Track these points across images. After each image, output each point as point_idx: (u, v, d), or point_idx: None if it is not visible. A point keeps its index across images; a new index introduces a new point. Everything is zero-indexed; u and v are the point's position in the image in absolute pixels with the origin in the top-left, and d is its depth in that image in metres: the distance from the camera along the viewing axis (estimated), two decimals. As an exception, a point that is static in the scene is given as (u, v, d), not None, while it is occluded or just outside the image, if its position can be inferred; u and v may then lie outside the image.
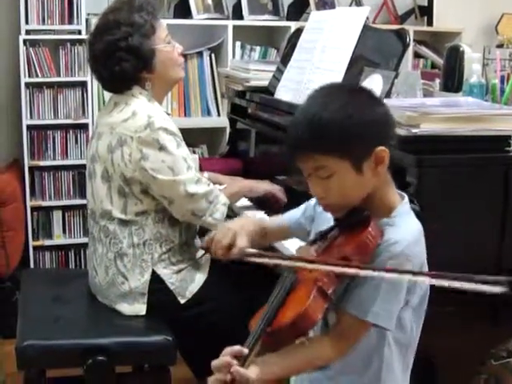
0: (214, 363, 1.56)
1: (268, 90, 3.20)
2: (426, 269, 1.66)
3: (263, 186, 2.83)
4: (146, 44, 2.50)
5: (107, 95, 2.82)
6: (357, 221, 1.63)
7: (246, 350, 1.55)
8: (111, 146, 2.47)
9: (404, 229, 1.64)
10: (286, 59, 3.15)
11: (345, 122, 1.57)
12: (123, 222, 2.49)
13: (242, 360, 1.54)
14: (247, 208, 2.85)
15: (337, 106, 1.59)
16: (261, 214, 2.73)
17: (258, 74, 3.39)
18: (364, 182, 1.62)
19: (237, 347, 1.56)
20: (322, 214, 1.80)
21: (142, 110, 2.47)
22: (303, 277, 1.63)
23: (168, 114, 2.59)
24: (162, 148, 2.42)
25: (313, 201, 1.88)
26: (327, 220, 1.76)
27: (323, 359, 1.65)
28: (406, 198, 1.71)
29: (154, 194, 2.47)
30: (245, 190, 2.83)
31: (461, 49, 2.64)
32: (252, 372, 1.54)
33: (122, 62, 2.47)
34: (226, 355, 1.56)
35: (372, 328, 1.63)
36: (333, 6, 4.31)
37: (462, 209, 1.97)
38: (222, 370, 1.54)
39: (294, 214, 1.96)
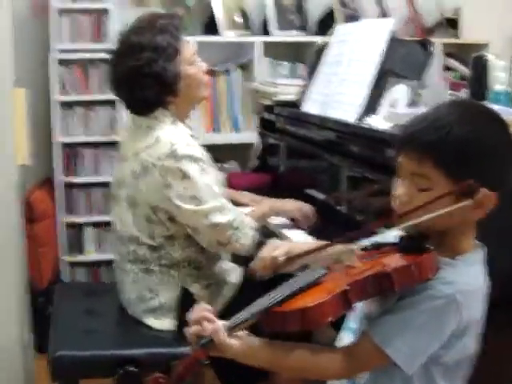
0: (196, 315, 1.50)
1: (296, 104, 3.22)
2: (473, 331, 1.55)
3: (292, 207, 2.74)
4: (169, 69, 2.42)
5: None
6: (418, 247, 1.53)
7: (234, 320, 1.49)
8: (136, 173, 2.42)
9: (465, 274, 1.51)
10: (313, 73, 3.18)
11: (473, 148, 1.47)
12: (152, 248, 2.47)
13: (228, 327, 1.48)
14: (284, 226, 2.76)
15: (476, 127, 1.49)
16: (299, 232, 2.67)
17: (286, 88, 3.42)
18: (453, 216, 1.49)
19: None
20: None
21: (165, 136, 2.41)
22: (334, 275, 1.55)
23: (192, 136, 2.53)
24: (185, 176, 2.35)
25: None
26: None
27: (326, 373, 1.56)
28: (484, 250, 1.59)
29: (181, 223, 2.44)
30: (272, 212, 2.76)
31: (485, 57, 2.64)
32: (233, 343, 1.47)
33: (144, 88, 2.41)
34: (208, 312, 1.50)
35: (389, 364, 1.50)
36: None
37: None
38: (203, 325, 1.48)
39: None
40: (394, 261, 1.53)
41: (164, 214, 2.42)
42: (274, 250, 1.80)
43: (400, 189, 1.54)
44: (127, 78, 2.45)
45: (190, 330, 1.50)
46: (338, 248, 1.60)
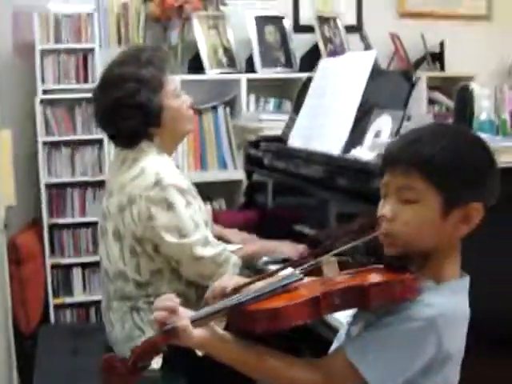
0: (165, 303, 1.48)
1: (282, 139, 3.21)
2: (455, 362, 1.50)
3: (284, 249, 2.65)
4: (154, 100, 2.42)
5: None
6: (400, 268, 1.49)
7: (199, 313, 1.48)
8: (121, 205, 2.41)
9: (447, 300, 1.46)
10: (297, 107, 3.17)
11: (457, 160, 1.46)
12: (139, 284, 2.45)
13: (193, 318, 1.46)
14: (273, 263, 2.65)
15: (458, 142, 1.49)
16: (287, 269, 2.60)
17: (271, 123, 3.42)
18: (439, 230, 1.47)
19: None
20: None
21: (150, 166, 2.40)
22: (311, 283, 1.53)
23: (177, 168, 2.53)
24: (170, 207, 2.34)
25: None
26: None
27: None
28: (467, 279, 1.53)
29: (164, 254, 2.42)
30: (263, 252, 2.68)
31: (470, 87, 2.64)
32: (196, 332, 1.45)
33: (128, 119, 2.41)
34: (175, 303, 1.48)
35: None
36: (344, 56, 4.36)
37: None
38: (169, 312, 1.46)
39: None
40: (374, 276, 1.50)
41: (149, 245, 2.40)
42: (226, 281, 1.78)
43: (384, 208, 1.52)
44: (111, 110, 2.44)
45: (156, 317, 1.48)
46: (286, 272, 1.58)
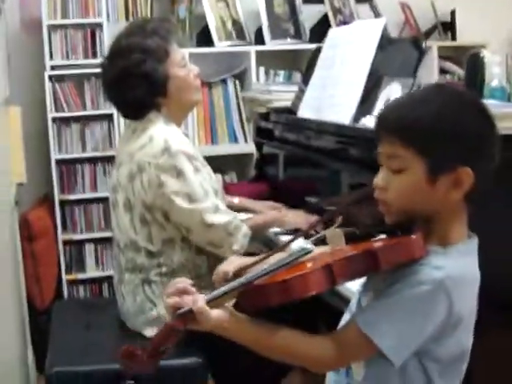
0: (175, 286, 1.46)
1: (291, 111, 3.19)
2: (467, 325, 1.49)
3: (296, 220, 2.65)
4: (159, 69, 2.46)
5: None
6: (405, 232, 1.49)
7: (214, 293, 1.45)
8: (131, 174, 2.43)
9: (455, 262, 1.44)
10: (307, 79, 3.15)
11: (438, 124, 1.42)
12: (151, 254, 2.46)
13: (208, 299, 1.44)
14: (285, 234, 2.65)
15: (439, 102, 1.45)
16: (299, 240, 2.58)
17: (281, 95, 3.39)
18: (430, 197, 1.45)
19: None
20: None
21: (158, 134, 2.43)
22: (321, 255, 1.54)
23: (186, 135, 2.56)
24: (179, 174, 2.36)
25: None
26: None
27: (315, 361, 1.50)
28: (475, 241, 1.52)
29: (174, 222, 2.43)
30: (274, 223, 2.68)
31: (481, 54, 2.61)
32: (214, 314, 1.43)
33: (135, 88, 2.44)
34: (186, 284, 1.47)
35: (377, 354, 1.44)
36: (354, 26, 4.32)
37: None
38: (181, 297, 1.44)
39: None
40: (381, 241, 1.52)
41: (159, 212, 2.42)
42: (229, 264, 1.76)
43: (377, 177, 1.50)
44: (118, 80, 2.47)
45: (169, 302, 1.45)
46: (291, 250, 1.57)
